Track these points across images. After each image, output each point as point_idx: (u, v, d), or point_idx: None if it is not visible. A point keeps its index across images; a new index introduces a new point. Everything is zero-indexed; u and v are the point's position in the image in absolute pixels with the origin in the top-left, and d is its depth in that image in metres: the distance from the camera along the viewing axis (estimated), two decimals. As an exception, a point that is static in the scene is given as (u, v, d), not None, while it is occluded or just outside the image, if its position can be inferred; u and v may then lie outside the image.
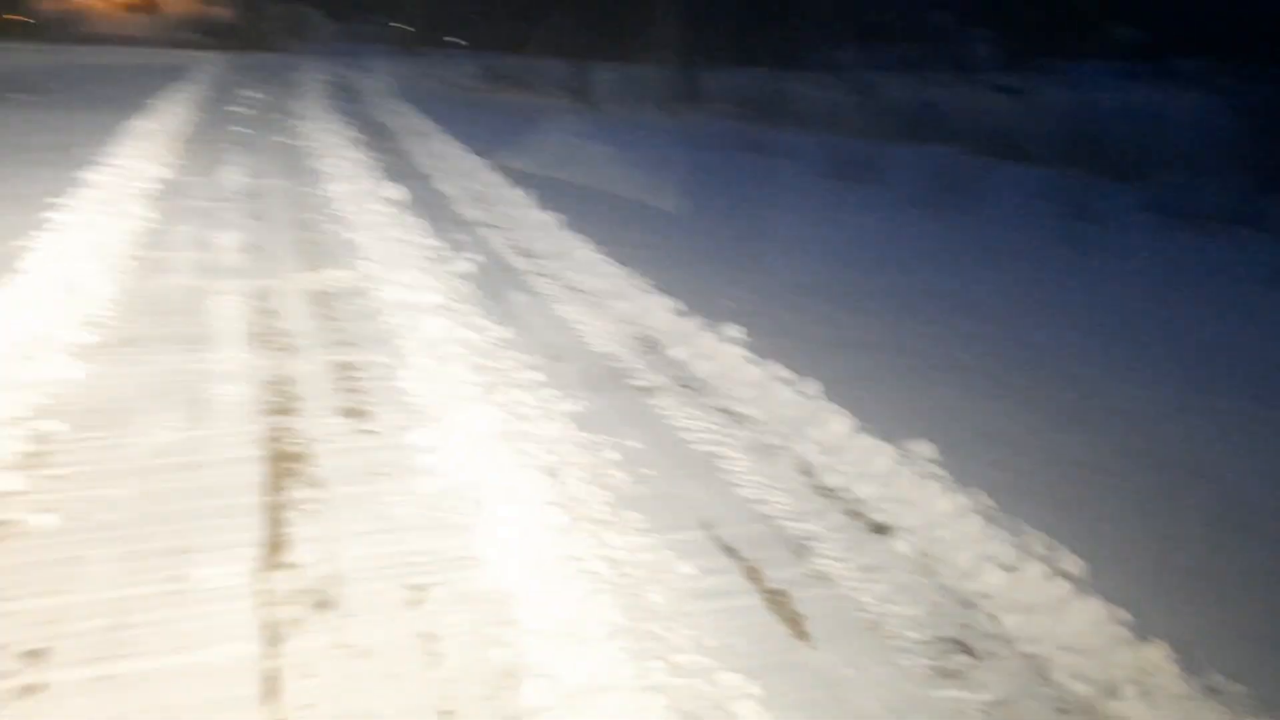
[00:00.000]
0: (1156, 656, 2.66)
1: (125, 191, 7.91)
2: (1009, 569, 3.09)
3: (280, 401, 4.25)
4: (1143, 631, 2.76)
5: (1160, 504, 3.81)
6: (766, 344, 5.07)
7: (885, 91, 22.39)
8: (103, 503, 3.35)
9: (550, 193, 8.86)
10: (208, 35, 33.02)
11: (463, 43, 28.36)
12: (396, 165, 10.45)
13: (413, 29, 30.39)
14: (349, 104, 16.23)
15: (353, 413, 4.18)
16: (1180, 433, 4.60)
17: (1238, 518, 3.77)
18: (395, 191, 8.71)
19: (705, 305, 5.66)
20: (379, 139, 12.41)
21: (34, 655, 2.61)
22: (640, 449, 3.97)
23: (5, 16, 32.81)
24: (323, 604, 2.89)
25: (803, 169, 12.76)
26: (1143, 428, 4.61)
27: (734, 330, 5.24)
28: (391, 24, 32.52)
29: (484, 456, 3.67)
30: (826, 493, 3.69)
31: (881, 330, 5.85)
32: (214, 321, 5.17)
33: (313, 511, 3.37)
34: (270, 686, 2.54)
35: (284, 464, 3.69)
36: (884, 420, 4.11)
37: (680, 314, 5.54)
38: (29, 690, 2.48)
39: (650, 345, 5.26)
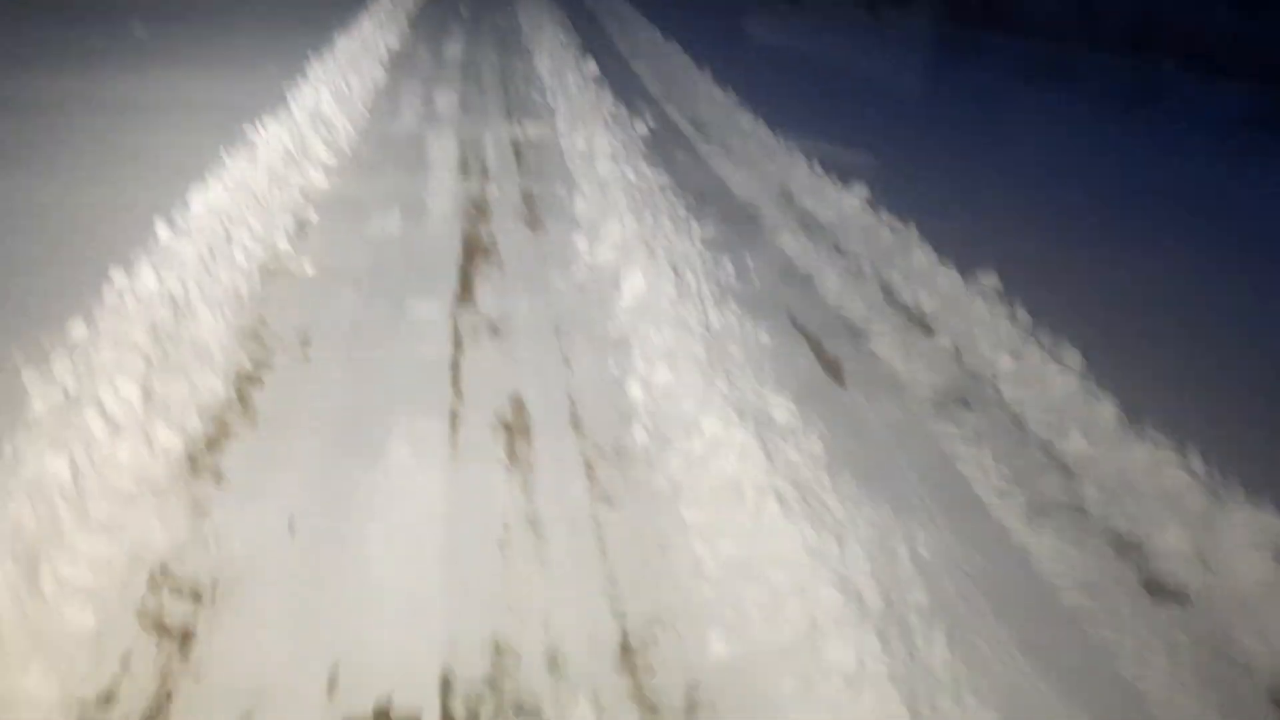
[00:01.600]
0: (1104, 411, 3.45)
1: (363, 54, 9.29)
2: (1017, 356, 3.90)
3: (476, 212, 5.41)
4: (1102, 398, 3.54)
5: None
6: (886, 200, 5.80)
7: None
8: (345, 263, 4.60)
9: (732, 73, 9.66)
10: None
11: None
12: (597, 43, 11.46)
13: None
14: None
15: (531, 221, 5.30)
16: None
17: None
18: (592, 67, 9.74)
19: (843, 160, 6.42)
20: (583, 22, 13.44)
21: (305, 342, 3.85)
22: (752, 265, 4.91)
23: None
24: (493, 330, 4.03)
25: (980, 67, 12.98)
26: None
27: (860, 188, 6.01)
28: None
29: (626, 254, 4.70)
30: (896, 304, 4.55)
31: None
32: (429, 151, 6.38)
33: (494, 278, 4.52)
34: (455, 373, 3.69)
35: (475, 249, 4.85)
36: (959, 253, 4.84)
37: (816, 175, 6.36)
38: (302, 359, 3.73)
39: (786, 196, 6.13)
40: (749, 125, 7.70)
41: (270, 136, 6.03)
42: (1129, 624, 2.60)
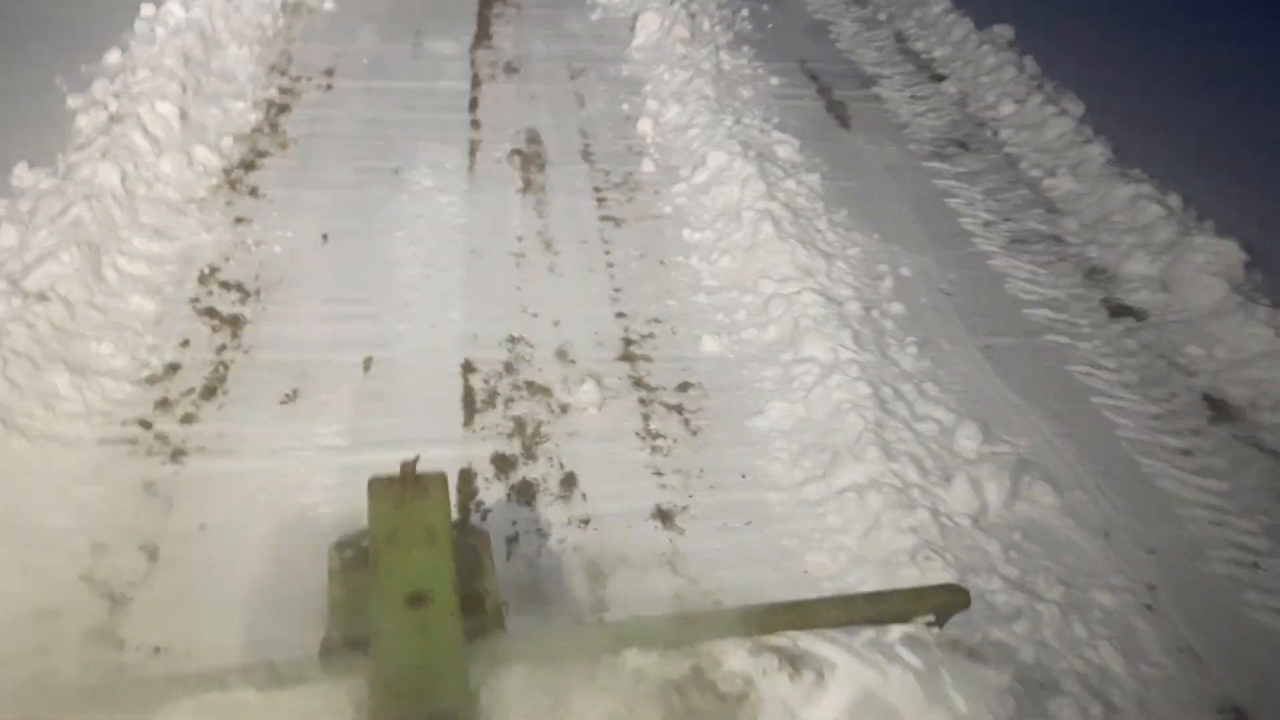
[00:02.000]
0: (1095, 153, 3.59)
1: None
2: (1019, 102, 4.00)
3: None
4: (1095, 141, 3.67)
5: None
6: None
7: None
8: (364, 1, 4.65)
9: None
10: None
11: None
12: None
13: None
14: None
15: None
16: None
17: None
18: None
19: None
20: None
21: (328, 74, 3.99)
22: (768, 9, 4.93)
23: None
24: (510, 69, 4.15)
25: None
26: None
27: None
28: None
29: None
30: (907, 51, 4.61)
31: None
32: None
33: (512, 21, 4.59)
34: (472, 103, 3.85)
35: (494, -4, 4.88)
36: (975, 4, 4.84)
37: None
38: (327, 88, 3.88)
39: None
40: None
41: None
42: (1086, 334, 2.87)
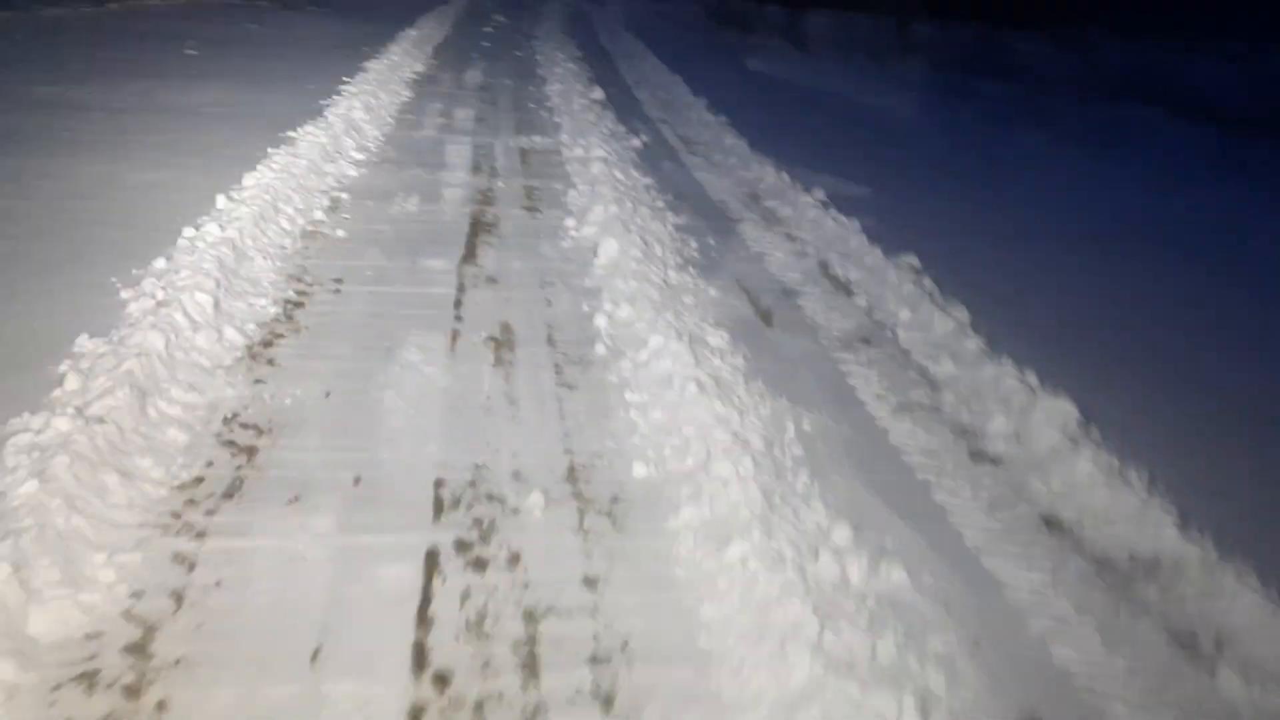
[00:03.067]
0: (971, 345, 4.34)
1: (392, 77, 10.34)
2: (914, 309, 4.80)
3: (483, 199, 6.38)
4: (973, 337, 4.43)
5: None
6: (837, 199, 6.74)
7: (1105, 53, 22.56)
8: (372, 230, 5.54)
9: (728, 104, 10.64)
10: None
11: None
12: (606, 76, 12.52)
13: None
14: (580, 31, 18.48)
15: (529, 208, 6.26)
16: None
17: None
18: (597, 93, 10.77)
19: (807, 177, 7.36)
20: (596, 58, 14.53)
21: (337, 281, 4.79)
22: (715, 245, 5.84)
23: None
24: (491, 280, 4.96)
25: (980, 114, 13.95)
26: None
27: (819, 192, 6.94)
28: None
29: (606, 231, 5.63)
30: (828, 274, 5.47)
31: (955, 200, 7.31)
32: (447, 155, 7.38)
33: (494, 246, 5.47)
34: (458, 306, 4.62)
35: (481, 225, 5.80)
36: (890, 240, 5.75)
37: (785, 181, 7.30)
38: (337, 291, 4.66)
39: (753, 197, 7.07)
40: (732, 142, 8.67)
41: (309, 137, 7.03)
42: (950, 473, 3.49)
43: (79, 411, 3.12)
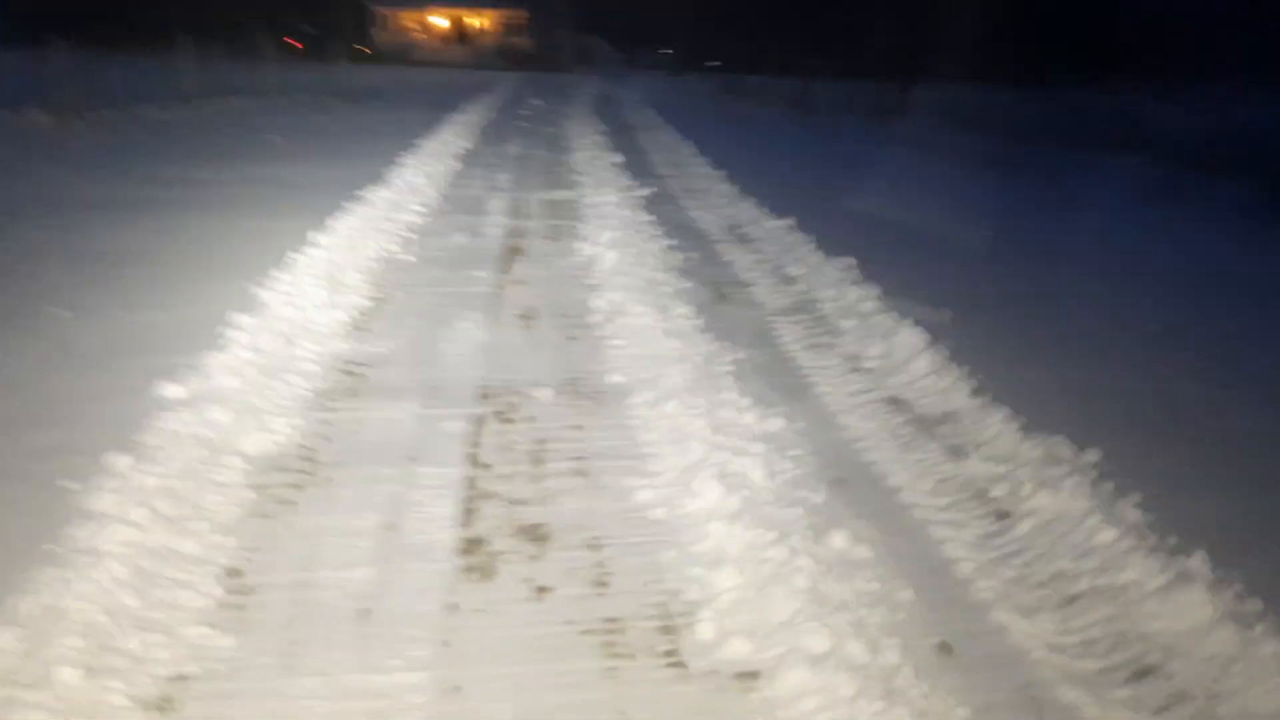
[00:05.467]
0: (871, 305, 5.96)
1: (443, 152, 12.30)
2: (839, 295, 6.44)
3: (517, 234, 8.16)
4: (884, 307, 6.05)
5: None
6: (806, 224, 8.39)
7: (1092, 108, 24.17)
8: (433, 256, 7.33)
9: (728, 161, 12.45)
10: (510, 61, 39.06)
11: (718, 63, 32.42)
12: (625, 143, 14.44)
13: (672, 52, 34.92)
14: (606, 108, 20.60)
15: (551, 239, 8.03)
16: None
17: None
18: (617, 157, 12.64)
19: (781, 207, 9.06)
20: (619, 130, 16.52)
21: (410, 285, 6.54)
22: (699, 258, 7.55)
23: (355, 47, 40.37)
24: (520, 282, 6.71)
25: (939, 158, 15.64)
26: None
27: (790, 219, 8.64)
28: (659, 50, 37.27)
29: (613, 249, 7.35)
30: (777, 273, 7.14)
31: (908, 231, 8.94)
32: (489, 206, 9.21)
33: (524, 261, 7.22)
34: (498, 298, 6.35)
35: (514, 250, 7.57)
36: (838, 248, 7.40)
37: (762, 213, 9.02)
38: (410, 291, 6.42)
39: (734, 227, 8.80)
40: (725, 188, 10.45)
41: (379, 196, 8.91)
42: (834, 378, 5.10)
43: (250, 346, 4.86)
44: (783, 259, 7.52)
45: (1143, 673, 2.79)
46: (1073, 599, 3.14)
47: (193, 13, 23.32)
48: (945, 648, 2.89)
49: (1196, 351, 5.79)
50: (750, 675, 2.72)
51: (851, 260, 7.09)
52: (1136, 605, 3.06)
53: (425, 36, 47.13)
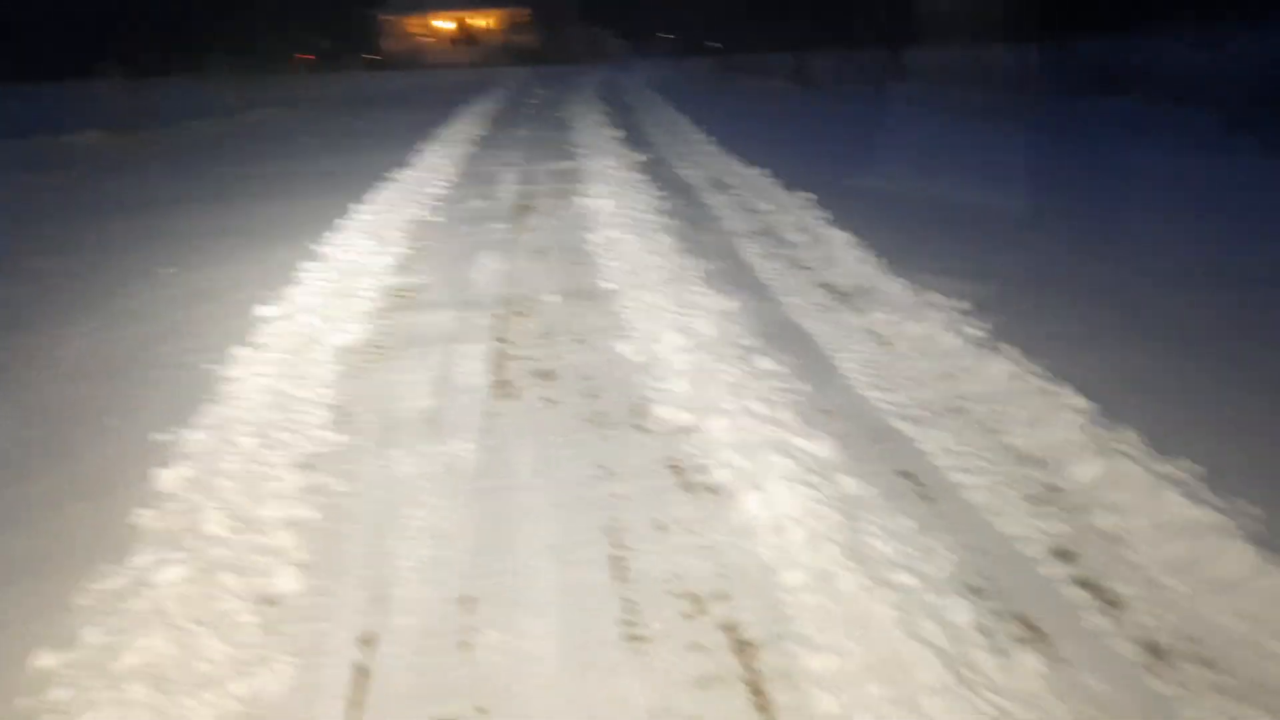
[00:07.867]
0: (836, 234, 7.26)
1: (459, 139, 13.72)
2: (801, 220, 7.75)
3: (528, 196, 9.54)
4: (844, 230, 7.36)
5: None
6: (786, 174, 9.70)
7: (1081, 53, 25.06)
8: (458, 216, 8.72)
9: (718, 127, 13.76)
10: (516, 57, 40.50)
11: (718, 45, 33.63)
12: (626, 121, 15.77)
13: (674, 37, 36.17)
14: (610, 93, 21.93)
15: (557, 196, 9.40)
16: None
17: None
18: (616, 132, 13.99)
19: (767, 161, 10.36)
20: (621, 110, 17.84)
21: (442, 237, 7.94)
22: (685, 206, 8.89)
23: (364, 56, 41.93)
24: (532, 229, 8.08)
25: (932, 111, 16.85)
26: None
27: (767, 169, 9.95)
28: (659, 35, 38.53)
29: (608, 202, 8.71)
30: (746, 208, 8.48)
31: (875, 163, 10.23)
32: (503, 177, 10.61)
33: (535, 215, 8.61)
34: (514, 241, 7.74)
35: (526, 208, 8.95)
36: (833, 203, 8.71)
37: (746, 165, 10.34)
38: (443, 240, 7.82)
39: (719, 179, 10.14)
40: (712, 149, 11.77)
41: (406, 176, 10.34)
42: (802, 292, 6.43)
43: (322, 279, 6.27)
44: (749, 196, 8.84)
45: (954, 411, 4.13)
46: (921, 383, 4.48)
47: (221, 39, 24.93)
48: (825, 410, 4.24)
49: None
50: (690, 429, 4.08)
51: (810, 193, 8.40)
52: (962, 382, 4.40)
53: (432, 40, 48.71)
